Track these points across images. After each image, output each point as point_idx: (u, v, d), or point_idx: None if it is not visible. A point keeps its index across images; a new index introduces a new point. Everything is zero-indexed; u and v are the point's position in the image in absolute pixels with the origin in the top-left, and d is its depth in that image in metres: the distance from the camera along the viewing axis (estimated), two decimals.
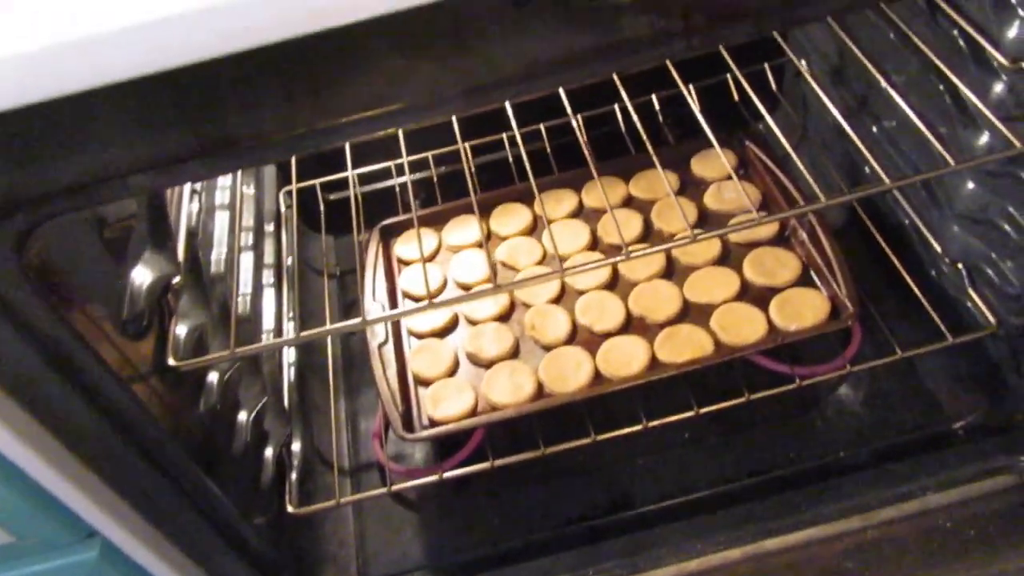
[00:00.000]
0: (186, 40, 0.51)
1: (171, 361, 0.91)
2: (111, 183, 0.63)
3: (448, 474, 1.18)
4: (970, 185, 1.12)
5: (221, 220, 1.20)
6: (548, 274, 0.96)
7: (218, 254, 1.14)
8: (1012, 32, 0.93)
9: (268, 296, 1.35)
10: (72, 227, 0.79)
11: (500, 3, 0.57)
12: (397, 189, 1.56)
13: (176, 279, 0.96)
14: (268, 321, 1.32)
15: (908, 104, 1.08)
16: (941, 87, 1.10)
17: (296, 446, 1.25)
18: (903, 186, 1.17)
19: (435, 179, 1.55)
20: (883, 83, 1.12)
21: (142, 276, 0.89)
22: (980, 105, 0.98)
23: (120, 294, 0.86)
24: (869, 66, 1.17)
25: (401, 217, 1.45)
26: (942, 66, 1.05)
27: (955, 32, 1.03)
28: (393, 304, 1.34)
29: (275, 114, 0.62)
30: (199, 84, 0.58)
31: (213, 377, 1.02)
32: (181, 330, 0.96)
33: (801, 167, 1.18)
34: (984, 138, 1.06)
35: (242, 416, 1.09)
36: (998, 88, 1.00)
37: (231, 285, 1.11)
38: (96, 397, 0.79)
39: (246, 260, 1.26)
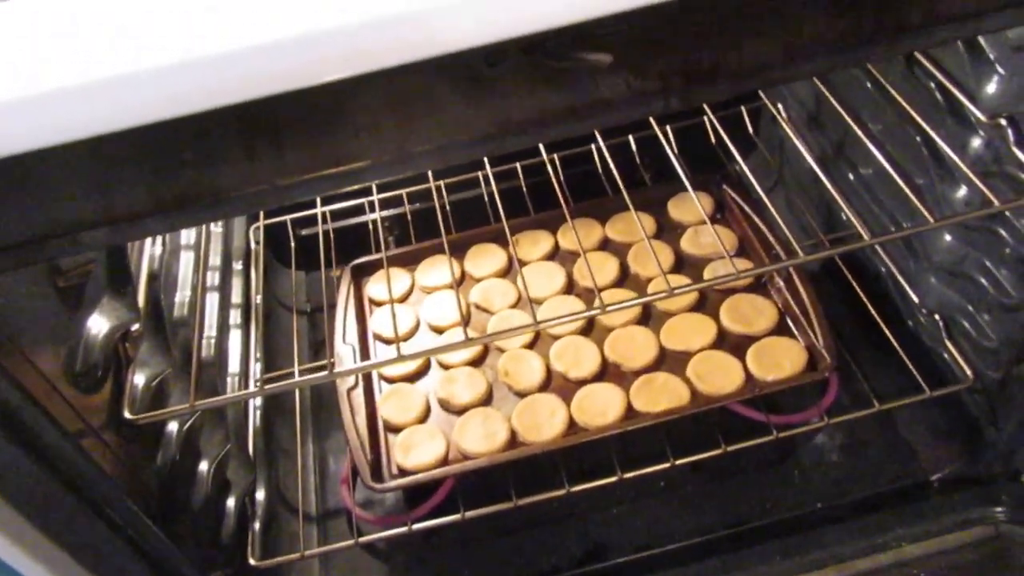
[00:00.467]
0: (146, 100, 0.48)
1: (127, 414, 0.87)
2: (60, 240, 0.60)
3: (418, 525, 1.14)
4: (947, 238, 1.11)
5: (186, 260, 1.16)
6: (523, 327, 0.94)
7: (182, 297, 1.10)
8: (991, 88, 0.92)
9: (234, 337, 1.31)
10: (21, 277, 0.75)
11: (472, 62, 0.55)
12: (370, 225, 1.53)
13: (135, 326, 0.92)
14: (234, 363, 1.28)
15: (884, 154, 1.07)
16: (918, 139, 1.10)
17: (260, 494, 1.21)
18: (883, 242, 1.17)
19: (409, 216, 1.52)
20: (860, 133, 1.12)
21: (98, 325, 0.85)
22: (957, 160, 0.98)
23: (74, 345, 0.82)
24: (845, 115, 1.16)
25: (373, 256, 1.42)
26: (918, 118, 1.05)
27: (932, 85, 1.03)
28: (364, 346, 1.31)
29: (236, 171, 0.59)
30: (156, 140, 0.55)
31: (173, 427, 0.98)
32: (139, 380, 0.92)
33: (776, 213, 1.18)
34: (962, 192, 1.05)
35: (203, 466, 1.05)
36: (975, 143, 0.99)
37: (194, 329, 1.07)
38: (44, 454, 0.75)
39: (211, 301, 1.23)
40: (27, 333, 0.75)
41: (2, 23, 0.49)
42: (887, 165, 1.05)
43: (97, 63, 0.47)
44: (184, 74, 0.48)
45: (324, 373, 0.93)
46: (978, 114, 0.93)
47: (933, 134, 1.02)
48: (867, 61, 1.02)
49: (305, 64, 0.49)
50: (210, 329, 1.18)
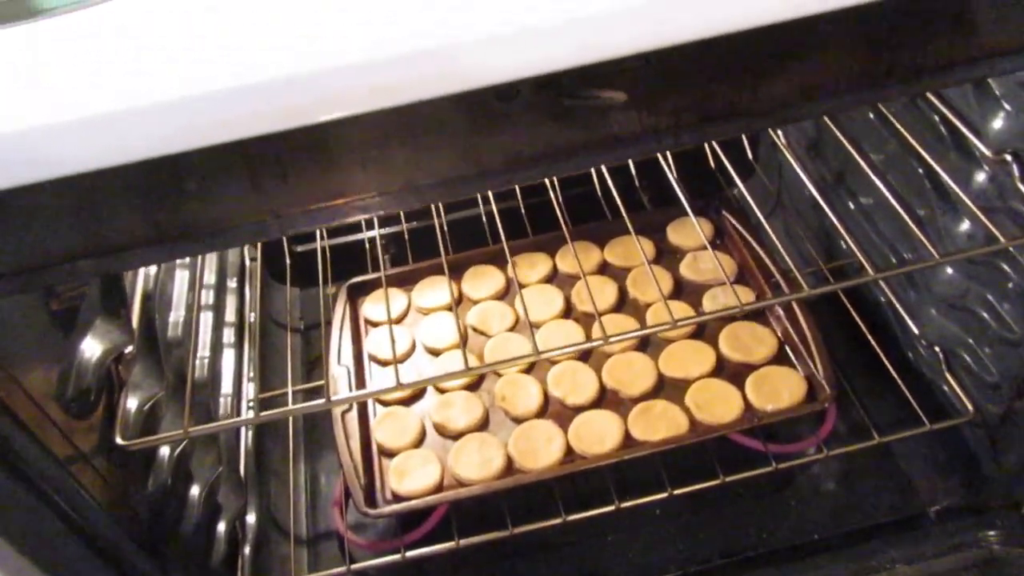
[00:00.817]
0: (150, 135, 0.47)
1: (119, 440, 0.85)
2: (58, 269, 0.59)
3: (411, 552, 1.13)
4: (949, 271, 1.11)
5: (181, 278, 1.14)
6: (524, 357, 0.93)
7: (176, 316, 1.09)
8: (996, 123, 0.92)
9: (227, 356, 1.29)
10: (15, 301, 0.73)
11: (484, 98, 0.54)
12: (367, 243, 1.52)
13: (128, 348, 0.90)
14: (227, 383, 1.26)
15: (885, 184, 1.07)
16: (920, 171, 1.10)
17: (251, 517, 1.19)
18: (888, 277, 1.16)
19: (406, 234, 1.51)
20: (861, 163, 1.11)
21: (92, 349, 0.83)
22: (960, 193, 0.97)
23: (66, 369, 0.81)
24: (846, 143, 1.16)
25: (370, 276, 1.40)
26: (921, 151, 1.05)
27: (936, 118, 1.03)
28: (359, 368, 1.29)
29: (240, 202, 0.58)
30: (160, 172, 0.54)
31: (164, 451, 0.96)
32: (132, 403, 0.90)
33: (775, 239, 1.17)
34: (964, 225, 1.05)
35: (194, 491, 1.03)
36: (980, 177, 0.99)
37: (189, 349, 1.05)
38: (32, 481, 0.74)
39: (205, 319, 1.21)
40: (18, 357, 0.73)
41: (10, 53, 0.48)
42: (889, 195, 1.05)
43: (103, 98, 0.46)
44: (192, 110, 0.46)
45: (321, 401, 0.91)
46: (983, 149, 0.93)
47: (936, 167, 1.02)
48: (881, 101, 1.02)
49: (317, 101, 0.48)
50: (203, 348, 1.16)
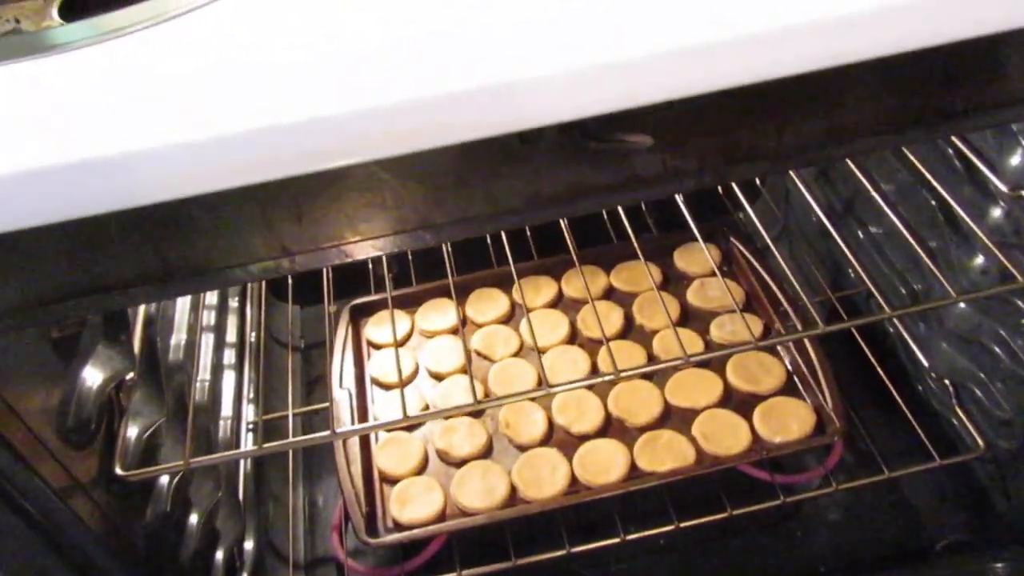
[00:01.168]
0: (158, 180, 0.45)
1: (119, 471, 0.83)
2: (62, 305, 0.57)
3: None
4: (961, 305, 1.10)
5: (183, 299, 1.13)
6: (534, 392, 0.91)
7: (178, 339, 1.07)
8: (1014, 160, 0.91)
9: (228, 377, 1.27)
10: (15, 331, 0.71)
11: (506, 141, 0.53)
12: (370, 261, 1.50)
13: (130, 375, 0.89)
14: (226, 404, 1.24)
15: (896, 214, 1.06)
16: (933, 203, 1.09)
17: (249, 544, 1.17)
18: (903, 315, 1.15)
19: (409, 254, 1.49)
20: (871, 192, 1.10)
21: (93, 377, 0.82)
22: (975, 228, 0.96)
23: (66, 398, 0.79)
24: (856, 172, 1.15)
25: (373, 297, 1.39)
26: (935, 183, 1.04)
27: (950, 151, 1.02)
28: (361, 391, 1.28)
29: (252, 239, 0.57)
30: (168, 212, 0.52)
31: (163, 480, 0.94)
32: (132, 432, 0.88)
33: (783, 263, 1.16)
34: (978, 260, 1.04)
35: (193, 519, 1.01)
36: (995, 213, 0.98)
37: (190, 374, 1.04)
38: (28, 513, 0.72)
39: (207, 341, 1.19)
40: (16, 386, 0.72)
41: (23, 89, 0.46)
42: (900, 226, 1.04)
43: (113, 140, 0.45)
44: (207, 154, 0.45)
45: (326, 433, 0.89)
46: (999, 185, 0.92)
47: (950, 200, 1.01)
48: (906, 144, 1.01)
49: (337, 146, 0.47)
50: (204, 371, 1.15)
